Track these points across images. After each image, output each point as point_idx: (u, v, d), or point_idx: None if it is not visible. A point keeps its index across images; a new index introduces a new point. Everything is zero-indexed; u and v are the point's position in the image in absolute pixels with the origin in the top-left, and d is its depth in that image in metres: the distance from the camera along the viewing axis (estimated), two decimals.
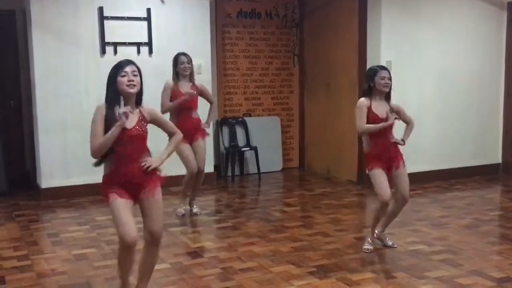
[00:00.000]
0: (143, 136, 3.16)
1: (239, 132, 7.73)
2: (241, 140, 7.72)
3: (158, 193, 3.21)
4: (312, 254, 4.32)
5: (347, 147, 7.25)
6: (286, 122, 8.26)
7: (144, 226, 3.23)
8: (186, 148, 5.35)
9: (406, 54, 6.80)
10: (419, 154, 6.99)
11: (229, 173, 7.51)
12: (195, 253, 4.40)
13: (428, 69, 6.98)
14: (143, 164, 3.12)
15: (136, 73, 3.11)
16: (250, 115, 7.95)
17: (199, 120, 5.50)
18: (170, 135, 3.43)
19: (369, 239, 4.48)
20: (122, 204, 3.09)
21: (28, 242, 4.72)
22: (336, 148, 7.42)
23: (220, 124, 7.61)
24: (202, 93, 5.53)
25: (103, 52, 6.38)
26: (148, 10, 6.59)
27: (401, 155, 4.44)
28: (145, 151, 3.20)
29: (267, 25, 7.98)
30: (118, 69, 3.08)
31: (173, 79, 5.41)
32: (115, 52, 6.42)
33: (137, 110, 3.16)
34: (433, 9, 6.94)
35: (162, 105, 5.26)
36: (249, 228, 5.09)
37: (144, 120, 3.17)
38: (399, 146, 4.43)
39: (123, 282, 3.32)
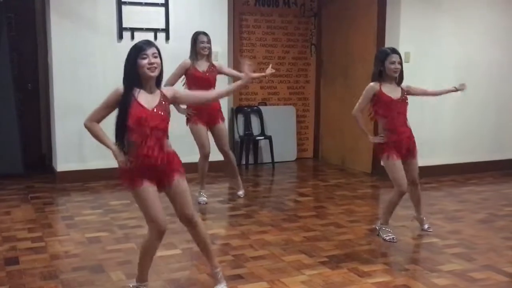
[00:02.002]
0: (164, 117, 3.03)
1: (254, 120, 7.72)
2: (255, 128, 7.71)
3: (183, 178, 3.13)
4: (325, 244, 4.31)
5: (362, 139, 7.16)
6: (301, 112, 8.23)
7: (176, 213, 3.21)
8: (202, 130, 5.39)
9: (424, 46, 6.72)
10: (436, 148, 6.94)
11: (243, 162, 7.51)
12: None
13: (446, 61, 6.89)
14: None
15: (157, 54, 3.01)
16: (265, 104, 7.93)
17: (218, 103, 5.45)
18: (210, 94, 3.61)
19: (387, 229, 4.45)
20: (151, 191, 3.03)
21: (42, 224, 4.77)
22: (351, 139, 7.38)
23: (235, 112, 7.60)
24: (222, 71, 5.54)
25: (120, 37, 6.39)
26: None
27: (415, 144, 4.40)
28: (166, 133, 3.08)
29: (285, 13, 7.93)
30: (139, 51, 2.97)
31: (191, 58, 5.35)
32: (132, 37, 6.42)
33: (158, 92, 3.06)
34: (453, 1, 6.84)
35: (167, 81, 5.05)
36: (262, 217, 5.09)
37: (165, 100, 3.07)
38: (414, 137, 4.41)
39: (144, 275, 3.25)
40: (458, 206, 5.59)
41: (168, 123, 3.08)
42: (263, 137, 7.63)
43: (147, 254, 3.18)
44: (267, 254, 4.07)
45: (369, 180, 6.76)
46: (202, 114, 5.37)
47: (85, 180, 6.30)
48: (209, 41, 5.35)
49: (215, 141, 5.57)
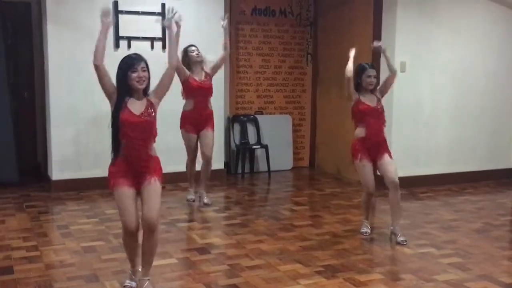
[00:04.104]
0: (151, 122, 3.37)
1: (250, 129, 7.73)
2: (252, 137, 7.71)
3: (158, 182, 3.43)
4: (320, 253, 4.30)
5: None
6: (297, 121, 8.24)
7: (142, 214, 3.39)
8: (191, 137, 5.66)
9: (420, 56, 6.75)
10: (431, 157, 6.96)
11: (239, 171, 7.50)
12: (203, 249, 4.39)
13: (442, 71, 6.92)
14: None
15: (145, 68, 3.34)
16: (261, 113, 7.94)
17: (211, 112, 5.70)
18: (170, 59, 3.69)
19: (365, 223, 4.88)
20: (126, 193, 3.34)
21: (37, 233, 4.75)
22: (347, 149, 7.31)
23: (231, 121, 7.61)
24: (213, 69, 5.72)
25: (116, 46, 6.40)
26: (163, 5, 6.59)
27: (387, 147, 4.73)
28: (152, 138, 3.41)
29: (281, 23, 7.96)
30: (129, 65, 3.30)
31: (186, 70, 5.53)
32: (129, 46, 6.44)
33: (145, 99, 3.39)
34: (449, 11, 6.88)
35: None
36: (258, 226, 5.08)
37: (151, 107, 3.38)
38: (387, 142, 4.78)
39: (131, 261, 3.56)
40: (453, 215, 5.60)
41: (154, 127, 3.40)
42: (259, 146, 7.63)
43: (126, 246, 3.52)
44: (263, 263, 4.06)
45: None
46: (193, 121, 5.60)
47: (81, 189, 6.28)
48: (198, 49, 5.60)
49: (200, 147, 5.74)
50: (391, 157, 4.66)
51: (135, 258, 3.53)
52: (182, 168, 6.83)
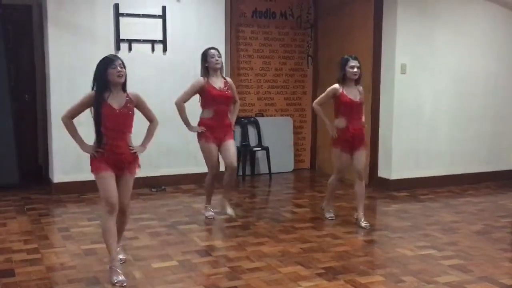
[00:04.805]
0: (130, 116, 3.77)
1: (251, 131, 7.73)
2: (253, 140, 7.72)
3: (135, 172, 3.87)
4: (321, 255, 4.30)
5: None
6: (298, 123, 8.25)
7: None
8: (212, 148, 5.17)
9: (421, 58, 6.75)
10: (432, 159, 6.96)
11: (240, 173, 7.50)
12: (204, 251, 4.40)
13: (443, 73, 6.92)
14: (131, 149, 3.79)
15: (122, 65, 3.73)
16: (262, 115, 7.94)
17: (230, 123, 5.28)
18: (149, 120, 4.03)
19: (330, 209, 5.45)
20: (107, 175, 3.72)
21: (38, 236, 4.76)
22: None
23: None
24: (232, 91, 5.27)
25: (117, 48, 6.40)
26: (164, 7, 6.61)
27: (364, 139, 5.14)
28: (131, 128, 3.81)
29: (281, 25, 7.97)
30: (109, 62, 3.70)
31: (203, 76, 5.15)
32: (130, 49, 6.45)
33: (125, 94, 3.78)
34: (450, 13, 6.88)
35: (179, 98, 5.09)
36: (259, 228, 5.08)
37: (130, 103, 3.78)
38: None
39: (109, 246, 3.76)
40: (454, 217, 5.59)
41: (132, 121, 3.80)
42: (260, 148, 7.64)
43: (105, 231, 3.74)
44: (264, 265, 4.06)
45: (366, 192, 6.74)
46: (214, 131, 5.16)
47: (82, 191, 6.28)
48: (220, 55, 5.16)
49: (223, 158, 5.27)
50: (365, 149, 5.17)
51: (114, 244, 3.75)
52: (182, 170, 6.86)
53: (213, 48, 5.19)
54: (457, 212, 5.80)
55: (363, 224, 5.10)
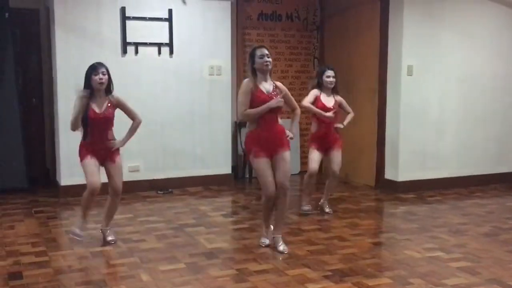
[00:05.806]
0: (110, 118, 4.41)
1: None
2: None
3: (118, 160, 4.50)
4: (328, 258, 4.30)
5: (365, 152, 7.22)
6: (304, 125, 8.23)
7: (108, 184, 4.51)
8: (264, 165, 4.34)
9: (427, 59, 6.73)
10: (440, 160, 6.93)
11: (247, 175, 7.51)
12: (211, 254, 4.40)
13: (450, 75, 6.91)
14: (110, 143, 4.41)
15: (105, 73, 4.32)
16: None
17: (283, 129, 4.48)
18: (131, 119, 4.54)
19: (305, 203, 5.77)
20: (92, 162, 4.37)
21: (46, 239, 4.78)
22: (355, 153, 7.37)
23: (238, 126, 7.61)
24: (283, 95, 4.46)
25: (124, 52, 6.43)
26: (170, 11, 6.63)
27: (339, 139, 5.61)
28: (111, 126, 4.45)
29: (287, 27, 7.97)
30: (93, 69, 4.30)
31: (251, 78, 4.38)
32: (136, 52, 6.47)
33: (107, 98, 4.38)
34: (456, 14, 6.86)
35: (241, 112, 4.38)
36: None
37: (111, 107, 4.39)
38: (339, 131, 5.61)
39: (83, 214, 4.54)
40: (462, 219, 5.57)
41: (112, 121, 4.44)
42: None
43: (83, 206, 4.51)
44: (271, 268, 4.06)
45: (372, 194, 6.75)
46: (266, 141, 4.36)
47: None
48: (269, 55, 4.38)
49: (275, 173, 4.40)
50: (339, 150, 5.58)
51: (88, 213, 4.62)
52: (189, 172, 6.86)
53: (262, 46, 4.46)
54: (465, 214, 5.77)
55: (327, 210, 5.72)
